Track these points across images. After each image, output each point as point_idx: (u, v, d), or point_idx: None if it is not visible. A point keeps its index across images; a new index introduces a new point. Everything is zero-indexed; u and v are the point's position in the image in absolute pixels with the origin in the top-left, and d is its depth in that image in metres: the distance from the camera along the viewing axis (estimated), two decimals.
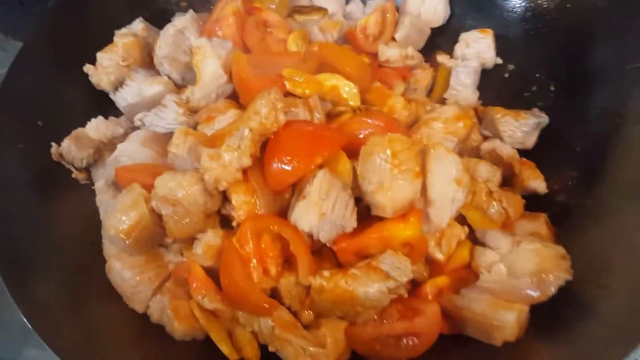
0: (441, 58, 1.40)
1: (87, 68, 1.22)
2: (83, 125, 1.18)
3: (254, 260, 0.91)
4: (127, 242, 0.95)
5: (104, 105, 1.26)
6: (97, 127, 1.16)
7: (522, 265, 0.92)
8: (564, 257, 0.92)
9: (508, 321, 0.85)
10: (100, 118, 1.18)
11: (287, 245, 0.95)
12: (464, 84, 1.32)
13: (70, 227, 1.06)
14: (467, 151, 1.22)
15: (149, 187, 1.00)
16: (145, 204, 0.96)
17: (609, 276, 0.91)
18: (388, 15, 1.40)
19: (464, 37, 1.37)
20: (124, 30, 1.28)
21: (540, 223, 1.04)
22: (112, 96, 1.25)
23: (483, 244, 1.01)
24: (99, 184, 1.12)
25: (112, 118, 1.22)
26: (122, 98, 1.23)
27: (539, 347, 0.88)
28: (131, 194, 0.98)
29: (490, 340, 0.88)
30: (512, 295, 0.89)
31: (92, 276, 1.02)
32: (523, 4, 1.33)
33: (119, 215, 0.95)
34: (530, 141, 1.21)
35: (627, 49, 1.13)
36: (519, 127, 1.21)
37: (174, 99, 1.12)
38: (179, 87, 1.23)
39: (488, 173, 1.11)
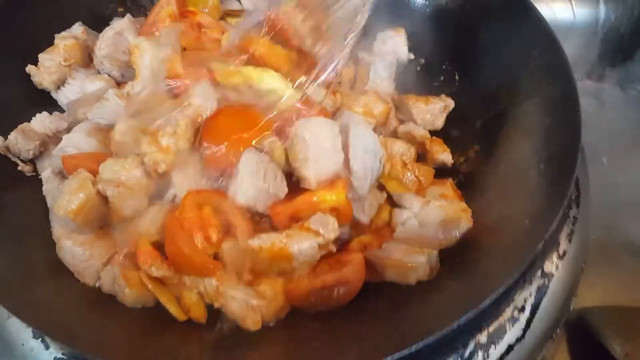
0: (361, 54, 1.58)
1: (30, 69, 1.28)
2: (28, 120, 1.23)
3: (197, 230, 1.01)
4: (76, 221, 1.03)
5: (46, 104, 1.31)
6: (42, 122, 1.22)
7: (431, 219, 1.08)
8: (465, 210, 1.10)
9: (420, 262, 1.01)
10: (44, 113, 1.24)
11: (226, 217, 1.06)
12: (381, 77, 1.49)
13: (18, 217, 1.11)
14: (387, 134, 1.39)
15: (94, 173, 1.08)
16: (91, 186, 1.04)
17: (500, 223, 1.09)
18: None
19: (380, 35, 1.55)
20: (64, 33, 1.35)
21: (446, 187, 1.21)
22: (54, 95, 1.32)
23: (400, 206, 1.17)
24: (46, 174, 1.17)
25: (56, 113, 1.28)
26: (64, 96, 1.30)
27: (446, 283, 1.03)
28: (78, 178, 1.05)
29: (407, 281, 1.02)
30: (424, 242, 1.05)
31: (42, 259, 1.07)
32: (427, 2, 1.54)
33: (67, 197, 1.03)
34: (439, 122, 1.40)
35: (513, 41, 1.36)
36: (429, 111, 1.40)
37: (116, 92, 1.21)
38: (119, 84, 1.31)
39: (403, 149, 1.27)
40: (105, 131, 1.19)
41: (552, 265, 1.14)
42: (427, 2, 1.55)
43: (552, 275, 1.12)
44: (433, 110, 1.40)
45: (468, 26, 1.46)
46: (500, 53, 1.38)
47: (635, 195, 1.52)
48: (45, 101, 1.32)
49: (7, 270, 0.98)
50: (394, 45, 1.54)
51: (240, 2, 1.61)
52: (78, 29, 1.36)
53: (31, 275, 1.02)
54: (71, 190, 1.04)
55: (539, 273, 1.12)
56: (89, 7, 1.49)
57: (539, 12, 1.30)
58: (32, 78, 1.29)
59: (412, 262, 1.01)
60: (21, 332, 1.04)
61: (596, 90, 1.79)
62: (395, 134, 1.40)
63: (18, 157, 1.19)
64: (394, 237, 1.08)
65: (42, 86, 1.29)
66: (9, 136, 1.18)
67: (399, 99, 1.46)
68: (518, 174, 1.17)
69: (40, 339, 1.02)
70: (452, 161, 1.31)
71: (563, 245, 1.17)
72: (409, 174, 1.23)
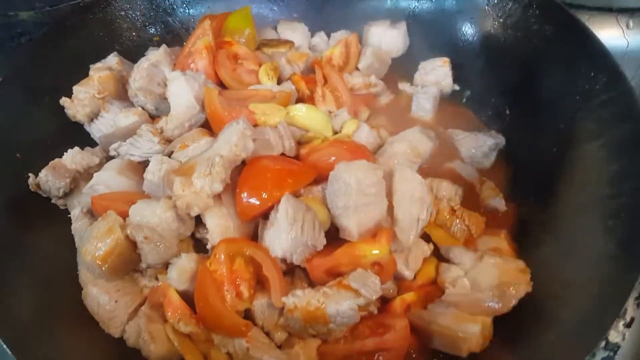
0: (402, 85, 1.49)
1: (64, 101, 1.25)
2: (60, 156, 1.19)
3: (228, 284, 0.94)
4: (103, 268, 0.97)
5: (79, 137, 1.28)
6: (73, 157, 1.18)
7: (484, 279, 0.98)
8: (523, 271, 0.99)
9: (472, 332, 0.90)
10: (76, 148, 1.20)
11: (259, 268, 0.99)
12: (424, 109, 1.40)
13: (46, 255, 1.07)
14: (431, 172, 1.30)
15: (124, 215, 1.02)
16: (120, 231, 0.99)
17: (564, 288, 0.97)
18: (351, 47, 1.49)
19: (423, 65, 1.47)
20: (99, 64, 1.32)
21: (500, 239, 1.11)
22: (87, 128, 1.28)
23: (447, 260, 1.07)
24: (75, 212, 1.13)
25: (87, 148, 1.24)
26: (97, 129, 1.26)
27: (501, 356, 0.92)
28: (107, 221, 1.00)
29: (457, 352, 0.92)
30: (476, 308, 0.94)
31: (68, 303, 1.03)
32: (477, 34, 1.44)
33: (95, 242, 0.98)
34: (489, 161, 1.30)
35: (573, 74, 1.24)
36: (478, 148, 1.30)
37: (149, 128, 1.16)
38: (152, 118, 1.27)
39: (450, 191, 1.17)
40: (137, 169, 1.14)
41: (618, 334, 1.01)
42: (476, 31, 1.45)
43: (619, 346, 1.00)
44: (482, 148, 1.29)
45: (522, 57, 1.35)
46: (557, 87, 1.26)
47: None
48: (79, 134, 1.29)
49: (32, 322, 0.93)
50: (438, 75, 1.45)
51: (277, 32, 1.55)
52: (113, 59, 1.33)
53: (56, 325, 0.97)
54: (99, 234, 0.99)
55: (602, 344, 1.00)
56: (124, 36, 1.46)
57: (602, 44, 1.18)
58: (65, 111, 1.26)
59: (463, 331, 0.91)
60: None
61: None
62: (439, 173, 1.30)
63: (49, 194, 1.16)
64: (442, 299, 0.98)
65: (75, 119, 1.26)
66: (40, 174, 1.15)
67: (444, 133, 1.37)
68: (581, 229, 1.05)
69: None
70: (505, 208, 1.20)
71: (630, 311, 1.04)
72: (457, 222, 1.13)
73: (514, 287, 0.93)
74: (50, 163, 1.16)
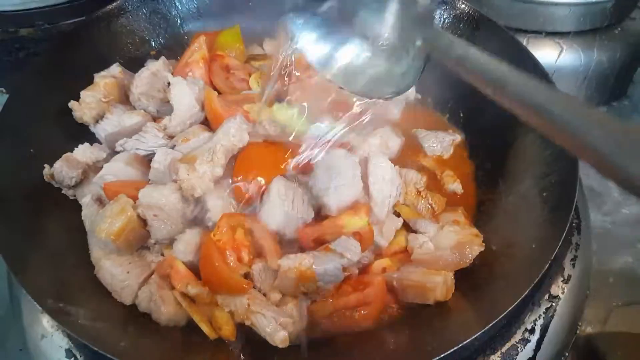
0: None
1: (72, 104, 1.39)
2: (70, 151, 1.32)
3: (230, 250, 1.09)
4: (116, 242, 1.11)
5: (85, 138, 1.41)
6: (83, 152, 1.31)
7: (445, 242, 1.17)
8: (477, 235, 1.19)
9: (437, 282, 1.08)
10: (86, 144, 1.34)
11: (257, 239, 1.14)
12: (392, 113, 1.61)
13: (59, 238, 1.19)
14: (399, 164, 1.49)
15: (134, 199, 1.16)
16: (132, 210, 1.13)
17: (510, 247, 1.18)
18: None
19: None
20: (103, 73, 1.47)
21: (458, 214, 1.30)
22: (92, 128, 1.42)
23: (415, 231, 1.26)
24: (85, 200, 1.25)
25: (96, 144, 1.38)
26: (102, 129, 1.40)
27: (461, 303, 1.10)
28: (119, 203, 1.14)
29: (426, 301, 1.09)
30: (439, 263, 1.12)
31: (80, 278, 1.14)
32: None
33: (109, 220, 1.11)
34: (448, 154, 1.51)
35: None
36: (438, 143, 1.51)
37: (154, 125, 1.31)
38: (155, 119, 1.42)
39: (416, 178, 1.37)
40: (143, 161, 1.29)
41: (559, 288, 1.21)
42: None
43: (559, 298, 1.20)
44: (442, 143, 1.51)
45: None
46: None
47: (629, 224, 1.61)
48: (83, 135, 1.42)
49: (48, 289, 1.04)
50: None
51: (262, 48, 1.76)
52: (116, 69, 1.49)
53: (70, 294, 1.08)
54: (113, 214, 1.12)
55: (546, 296, 1.19)
56: (125, 50, 1.63)
57: (536, 59, 1.43)
58: (73, 113, 1.40)
59: (430, 282, 1.08)
60: (54, 351, 1.10)
61: None
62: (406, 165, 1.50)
63: (61, 184, 1.28)
64: (411, 259, 1.15)
65: (82, 120, 1.40)
66: (54, 165, 1.27)
67: (410, 132, 1.57)
68: (523, 202, 1.27)
69: (73, 359, 1.08)
70: (462, 190, 1.41)
71: (567, 269, 1.25)
72: (422, 201, 1.32)
73: (469, 246, 1.13)
74: (63, 156, 1.29)
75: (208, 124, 1.37)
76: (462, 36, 1.61)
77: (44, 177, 1.27)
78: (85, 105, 1.39)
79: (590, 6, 1.85)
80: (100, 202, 1.26)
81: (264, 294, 1.11)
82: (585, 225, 1.35)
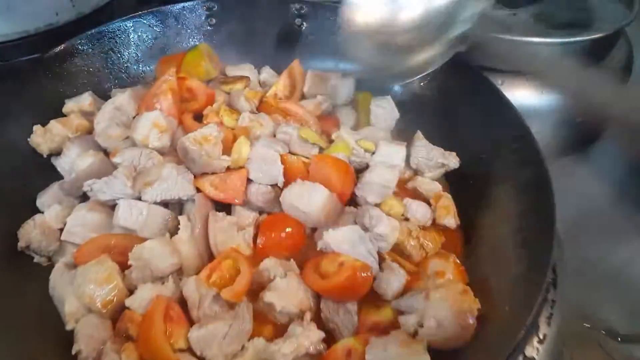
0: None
1: (37, 128, 1.33)
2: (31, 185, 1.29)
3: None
4: (103, 311, 1.09)
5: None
6: (57, 215, 1.25)
7: (441, 314, 1.07)
8: (466, 291, 1.11)
9: None
10: (56, 206, 1.27)
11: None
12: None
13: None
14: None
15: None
16: (119, 278, 1.12)
17: (485, 310, 1.12)
18: (295, 74, 1.62)
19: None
20: (73, 102, 1.42)
21: (449, 262, 1.23)
22: (53, 160, 1.36)
23: (402, 313, 1.15)
24: (59, 266, 1.20)
25: (65, 202, 1.30)
26: (62, 167, 1.35)
27: None
28: (104, 267, 1.11)
29: None
30: (448, 342, 1.06)
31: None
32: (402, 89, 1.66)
33: (93, 286, 1.09)
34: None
35: (487, 127, 1.45)
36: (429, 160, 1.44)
37: (125, 173, 1.24)
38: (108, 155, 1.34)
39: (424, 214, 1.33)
40: (103, 204, 1.25)
41: (533, 349, 1.17)
42: (402, 89, 1.66)
43: (534, 359, 1.15)
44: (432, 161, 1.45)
45: (448, 112, 1.55)
46: (473, 140, 1.46)
47: (609, 274, 1.58)
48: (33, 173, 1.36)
49: None
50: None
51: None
52: (87, 98, 1.43)
53: None
54: (99, 280, 1.10)
55: (520, 358, 1.14)
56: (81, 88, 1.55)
57: (510, 102, 1.39)
58: (31, 137, 1.34)
59: None
60: None
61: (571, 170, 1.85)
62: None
63: (38, 254, 1.23)
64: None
65: (37, 148, 1.34)
66: (31, 239, 1.21)
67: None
68: (496, 257, 1.23)
69: None
70: (455, 226, 1.36)
71: (543, 328, 1.21)
72: (412, 241, 1.26)
73: (467, 311, 1.06)
74: (37, 222, 1.22)
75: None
76: (434, 79, 1.58)
77: (18, 248, 1.22)
78: (49, 136, 1.33)
79: (568, 45, 1.85)
80: (72, 266, 1.20)
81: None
82: (562, 278, 1.31)
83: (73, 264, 1.19)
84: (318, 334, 1.07)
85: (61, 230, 1.25)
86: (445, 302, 1.09)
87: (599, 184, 1.90)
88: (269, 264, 1.18)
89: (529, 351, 1.16)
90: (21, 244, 1.21)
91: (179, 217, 1.23)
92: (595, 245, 1.72)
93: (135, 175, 1.25)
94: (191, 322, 1.10)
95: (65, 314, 1.12)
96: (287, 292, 1.13)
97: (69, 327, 1.10)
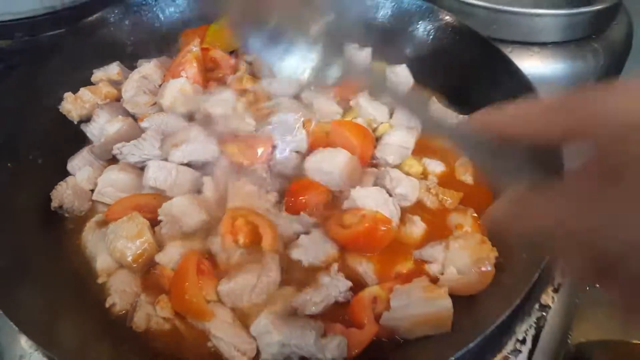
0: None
1: (68, 95, 1.37)
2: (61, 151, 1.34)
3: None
4: (134, 265, 1.13)
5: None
6: (88, 177, 1.30)
7: (460, 263, 1.14)
8: (484, 241, 1.15)
9: (448, 307, 1.04)
10: (88, 168, 1.31)
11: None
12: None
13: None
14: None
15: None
16: (149, 234, 1.15)
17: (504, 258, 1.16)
18: None
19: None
20: (101, 72, 1.46)
21: (467, 216, 1.26)
22: (82, 127, 1.41)
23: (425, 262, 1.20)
24: (89, 224, 1.24)
25: (95, 165, 1.34)
26: (91, 133, 1.39)
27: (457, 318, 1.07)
28: (135, 223, 1.15)
29: (438, 332, 1.05)
30: (469, 288, 1.11)
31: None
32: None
33: (125, 242, 1.13)
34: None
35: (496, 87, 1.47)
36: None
37: (154, 135, 1.29)
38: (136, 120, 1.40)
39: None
40: (133, 165, 1.29)
41: (549, 297, 1.22)
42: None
43: (549, 307, 1.20)
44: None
45: (453, 77, 1.57)
46: (483, 106, 1.50)
47: None
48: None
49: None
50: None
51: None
52: (114, 69, 1.47)
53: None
54: (130, 236, 1.14)
55: (537, 305, 1.19)
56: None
57: (517, 66, 1.43)
58: (62, 104, 1.38)
59: (441, 308, 1.04)
60: None
61: None
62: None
63: (71, 214, 1.27)
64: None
65: (68, 114, 1.38)
66: (64, 200, 1.25)
67: None
68: None
69: None
70: (472, 182, 1.38)
71: (557, 278, 1.25)
72: (431, 197, 1.30)
73: (486, 259, 1.10)
74: (69, 185, 1.26)
75: None
76: (445, 47, 1.62)
77: (51, 208, 1.25)
78: (80, 103, 1.37)
79: (572, 17, 1.88)
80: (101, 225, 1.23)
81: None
82: None
83: (104, 222, 1.23)
84: (346, 283, 1.12)
85: (92, 191, 1.29)
86: (465, 251, 1.13)
87: None
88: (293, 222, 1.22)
89: (545, 299, 1.21)
90: (54, 204, 1.25)
91: (204, 178, 1.27)
92: None
93: (163, 137, 1.29)
94: (219, 277, 1.14)
95: (97, 270, 1.16)
96: (312, 247, 1.17)
97: (100, 280, 1.15)
